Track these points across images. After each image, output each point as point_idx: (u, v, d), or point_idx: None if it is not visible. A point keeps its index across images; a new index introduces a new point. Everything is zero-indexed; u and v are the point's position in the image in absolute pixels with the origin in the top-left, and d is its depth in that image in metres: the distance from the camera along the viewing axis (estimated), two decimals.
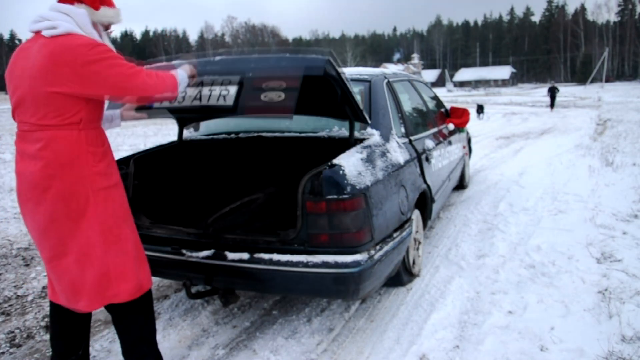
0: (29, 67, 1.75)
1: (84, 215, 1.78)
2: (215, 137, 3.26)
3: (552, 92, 21.19)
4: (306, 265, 2.14)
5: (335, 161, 2.25)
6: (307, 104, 2.40)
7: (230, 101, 2.15)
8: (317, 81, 2.23)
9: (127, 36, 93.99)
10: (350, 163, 2.27)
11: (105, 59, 1.73)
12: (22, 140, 1.84)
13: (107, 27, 1.97)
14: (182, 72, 2.06)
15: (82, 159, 1.78)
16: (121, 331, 1.99)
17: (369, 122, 2.71)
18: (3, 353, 2.45)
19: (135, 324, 1.98)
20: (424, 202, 3.24)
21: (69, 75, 1.70)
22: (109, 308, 1.95)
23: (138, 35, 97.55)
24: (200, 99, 2.24)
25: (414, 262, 3.02)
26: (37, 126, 1.76)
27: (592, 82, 48.31)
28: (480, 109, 17.54)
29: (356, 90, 2.91)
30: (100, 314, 2.81)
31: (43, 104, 1.73)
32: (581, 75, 61.16)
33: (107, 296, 1.85)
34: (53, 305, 2.05)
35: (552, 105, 21.08)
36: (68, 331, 2.05)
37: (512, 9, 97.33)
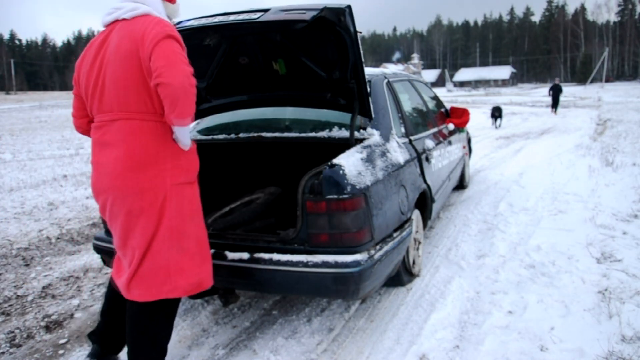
0: (108, 55, 1.77)
1: (158, 210, 1.80)
2: (215, 137, 3.26)
3: (555, 92, 18.27)
4: (306, 265, 2.14)
5: (335, 161, 2.25)
6: (315, 87, 2.45)
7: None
8: (330, 45, 2.38)
9: None
10: (350, 163, 2.27)
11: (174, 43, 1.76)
12: (99, 131, 1.84)
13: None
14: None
15: (162, 152, 1.80)
16: (136, 330, 1.93)
17: (373, 116, 2.72)
18: (3, 353, 2.45)
19: (155, 326, 1.93)
20: (424, 202, 3.24)
21: (145, 56, 1.72)
22: (135, 304, 1.90)
23: None
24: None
25: (414, 262, 3.02)
26: (118, 114, 1.78)
27: (592, 82, 48.31)
28: (496, 113, 13.77)
29: None
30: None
31: (123, 92, 1.76)
32: (581, 75, 61.16)
33: (164, 291, 1.84)
34: (112, 284, 2.09)
35: (554, 106, 18.33)
36: (116, 313, 2.08)
37: (512, 9, 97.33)
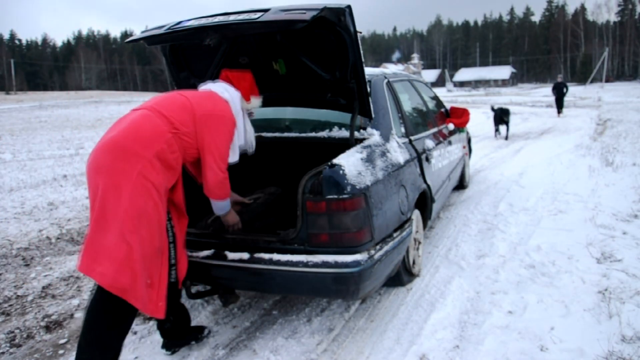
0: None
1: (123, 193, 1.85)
2: None
3: (559, 91, 15.77)
4: (306, 265, 2.14)
5: (335, 161, 2.25)
6: (315, 86, 2.45)
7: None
8: (330, 45, 2.41)
9: (127, 36, 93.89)
10: (350, 163, 2.27)
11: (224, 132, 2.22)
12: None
13: (250, 114, 2.48)
14: (227, 206, 2.34)
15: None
16: (90, 318, 1.95)
17: (373, 116, 2.73)
18: (3, 353, 2.44)
19: (104, 320, 1.93)
20: (424, 202, 3.24)
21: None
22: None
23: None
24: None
25: (414, 262, 3.02)
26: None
27: (592, 82, 48.29)
28: (503, 117, 10.08)
29: None
30: None
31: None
32: (581, 75, 61.11)
33: (93, 270, 1.84)
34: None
35: (558, 107, 15.89)
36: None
37: (512, 9, 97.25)
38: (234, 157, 2.31)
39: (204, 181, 2.18)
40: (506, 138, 10.16)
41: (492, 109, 10.72)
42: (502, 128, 10.52)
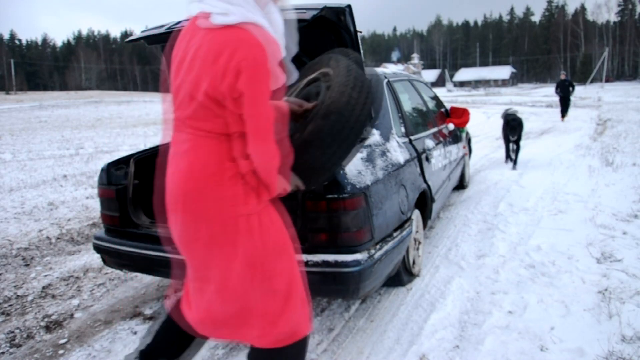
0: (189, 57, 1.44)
1: (230, 241, 1.45)
2: None
3: (564, 90, 13.78)
4: (306, 264, 2.14)
5: None
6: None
7: None
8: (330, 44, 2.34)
9: (127, 36, 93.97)
10: (350, 162, 2.27)
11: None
12: (174, 136, 1.54)
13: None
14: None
15: (229, 173, 1.44)
16: None
17: (373, 115, 2.73)
18: (3, 353, 2.44)
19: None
20: (424, 202, 3.24)
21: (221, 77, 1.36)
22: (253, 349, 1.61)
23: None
24: None
25: (414, 262, 3.02)
26: (186, 125, 1.46)
27: (592, 82, 48.30)
28: (515, 130, 6.78)
29: None
30: (100, 314, 2.81)
31: (195, 101, 1.42)
32: (581, 75, 61.15)
33: (245, 336, 1.56)
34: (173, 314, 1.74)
35: (563, 110, 13.95)
36: (171, 341, 1.76)
37: (512, 9, 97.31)
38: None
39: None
40: (514, 165, 6.79)
41: (504, 116, 7.13)
42: (512, 150, 7.03)
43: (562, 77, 14.61)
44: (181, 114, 1.47)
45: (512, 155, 6.99)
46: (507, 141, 7.04)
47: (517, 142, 6.86)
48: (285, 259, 1.53)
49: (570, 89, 13.94)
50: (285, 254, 1.54)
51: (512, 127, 6.78)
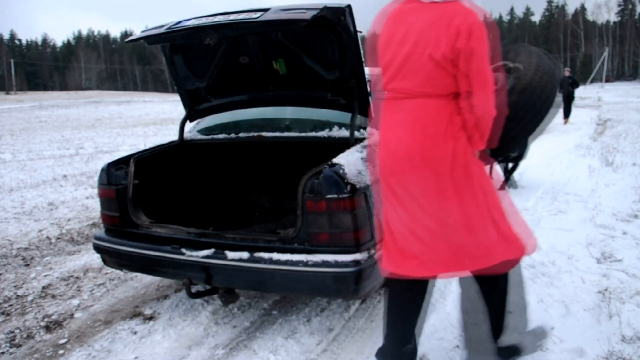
0: (413, 31, 1.69)
1: (466, 184, 1.72)
2: (215, 137, 3.26)
3: (567, 90, 12.78)
4: (306, 264, 2.14)
5: (335, 160, 2.25)
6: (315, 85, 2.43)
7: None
8: (330, 46, 2.38)
9: (127, 36, 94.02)
10: (350, 162, 2.27)
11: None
12: (394, 108, 1.78)
13: None
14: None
15: (457, 127, 1.71)
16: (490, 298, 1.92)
17: (373, 115, 2.73)
18: (3, 353, 2.44)
19: (504, 291, 1.93)
20: None
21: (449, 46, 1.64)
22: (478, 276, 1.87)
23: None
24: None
25: None
26: (414, 92, 1.71)
27: (592, 82, 48.28)
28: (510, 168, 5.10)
29: None
30: (100, 314, 2.81)
31: (427, 67, 1.67)
32: (581, 75, 61.09)
33: (479, 264, 1.78)
34: (395, 284, 1.91)
35: (565, 111, 13.06)
36: (405, 315, 1.94)
37: (512, 9, 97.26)
38: None
39: None
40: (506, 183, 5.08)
41: None
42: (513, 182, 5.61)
43: (566, 73, 14.07)
44: (407, 83, 1.71)
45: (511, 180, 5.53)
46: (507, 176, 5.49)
47: (518, 159, 5.20)
48: (496, 194, 1.82)
49: (574, 87, 13.56)
50: (495, 190, 1.84)
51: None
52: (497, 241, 1.77)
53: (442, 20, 1.64)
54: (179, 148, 3.20)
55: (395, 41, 1.74)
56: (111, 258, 2.72)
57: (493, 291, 1.92)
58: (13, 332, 2.64)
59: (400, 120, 1.75)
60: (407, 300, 1.92)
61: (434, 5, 1.68)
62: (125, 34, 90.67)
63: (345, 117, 2.83)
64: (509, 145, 1.90)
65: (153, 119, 20.25)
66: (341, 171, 2.18)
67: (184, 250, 2.37)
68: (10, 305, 2.99)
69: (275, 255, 2.21)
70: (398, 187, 1.77)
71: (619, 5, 77.93)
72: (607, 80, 48.24)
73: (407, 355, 1.95)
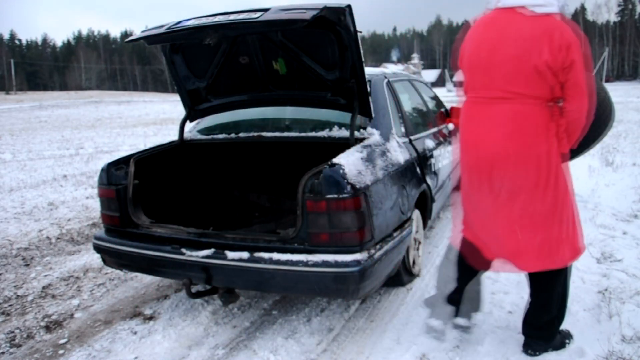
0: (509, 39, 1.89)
1: (552, 183, 1.91)
2: (215, 137, 3.26)
3: None
4: (306, 264, 2.14)
5: (335, 160, 2.25)
6: (314, 85, 2.43)
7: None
8: (330, 45, 2.42)
9: (127, 35, 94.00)
10: (350, 162, 2.27)
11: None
12: (487, 111, 1.96)
13: None
14: None
15: (552, 131, 1.90)
16: (538, 292, 2.15)
17: (373, 115, 2.73)
18: (3, 353, 2.44)
19: (558, 288, 2.09)
20: (424, 202, 3.24)
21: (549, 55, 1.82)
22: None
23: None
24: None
25: (414, 262, 3.02)
26: (511, 97, 1.90)
27: None
28: None
29: None
30: (100, 314, 2.82)
31: (527, 74, 1.86)
32: None
33: (551, 261, 1.98)
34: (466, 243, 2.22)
35: None
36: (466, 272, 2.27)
37: None
38: None
39: None
40: None
41: None
42: None
43: None
44: (505, 88, 1.90)
45: None
46: None
47: None
48: (572, 195, 2.01)
49: None
50: (572, 191, 2.02)
51: None
52: (564, 239, 1.97)
53: (546, 33, 1.81)
54: (179, 148, 3.20)
55: (489, 47, 1.94)
56: (111, 258, 2.72)
57: (552, 284, 2.09)
58: (13, 332, 2.64)
59: (496, 122, 1.93)
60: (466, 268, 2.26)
61: (533, 17, 1.86)
62: (125, 34, 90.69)
63: (345, 117, 2.83)
64: (583, 148, 2.12)
65: (153, 119, 20.26)
66: (341, 171, 2.18)
67: (184, 250, 2.37)
68: (10, 305, 2.99)
69: (275, 255, 2.21)
70: (487, 182, 1.98)
71: (619, 5, 77.93)
72: (607, 80, 48.25)
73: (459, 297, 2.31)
